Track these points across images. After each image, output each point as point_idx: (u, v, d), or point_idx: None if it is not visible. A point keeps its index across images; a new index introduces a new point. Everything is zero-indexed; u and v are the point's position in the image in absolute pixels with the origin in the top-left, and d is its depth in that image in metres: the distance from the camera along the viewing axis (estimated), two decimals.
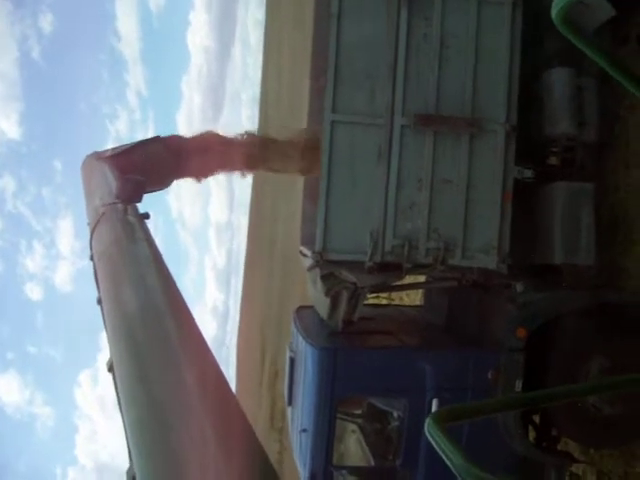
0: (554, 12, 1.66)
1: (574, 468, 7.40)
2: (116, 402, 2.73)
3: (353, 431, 8.08)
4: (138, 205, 5.75)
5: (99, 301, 3.78)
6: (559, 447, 7.46)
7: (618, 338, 6.75)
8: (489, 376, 6.72)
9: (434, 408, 6.59)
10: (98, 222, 4.85)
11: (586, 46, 1.73)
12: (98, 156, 7.35)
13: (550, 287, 7.14)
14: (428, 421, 1.93)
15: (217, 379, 2.33)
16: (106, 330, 3.30)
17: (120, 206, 5.11)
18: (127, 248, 4.09)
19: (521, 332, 6.72)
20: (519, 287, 7.06)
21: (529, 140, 7.30)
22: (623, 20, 7.24)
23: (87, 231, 5.28)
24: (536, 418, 7.63)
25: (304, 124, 8.60)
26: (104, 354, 3.13)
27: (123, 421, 2.45)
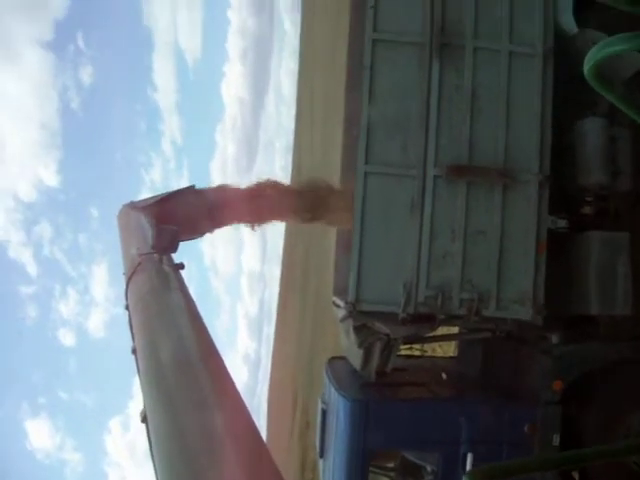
0: (586, 68, 1.67)
1: None
2: (148, 452, 2.73)
3: None
4: (173, 253, 5.83)
5: (134, 351, 3.81)
6: None
7: None
8: (525, 430, 6.59)
9: (469, 462, 6.46)
10: (134, 272, 4.91)
11: (618, 100, 1.74)
12: (134, 206, 7.47)
13: (586, 338, 7.01)
14: None
15: (250, 431, 2.32)
16: (140, 380, 3.31)
17: (156, 256, 5.18)
18: (162, 298, 4.13)
19: (557, 385, 6.61)
20: (555, 338, 6.96)
21: (563, 190, 7.26)
22: None
23: (122, 280, 5.35)
24: (575, 474, 7.42)
25: (337, 173, 8.67)
26: (135, 401, 3.15)
27: (155, 471, 2.46)
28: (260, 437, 2.34)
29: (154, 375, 3.00)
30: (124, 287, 5.00)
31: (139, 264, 5.00)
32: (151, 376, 3.03)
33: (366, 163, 6.96)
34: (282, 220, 8.55)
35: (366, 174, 6.94)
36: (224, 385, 2.70)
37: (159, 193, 7.87)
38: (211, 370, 2.84)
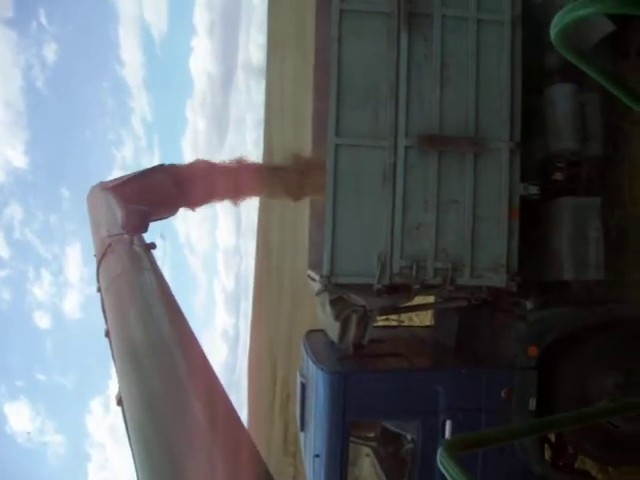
0: (553, 33, 1.65)
1: None
2: (125, 435, 2.71)
3: (367, 455, 8.03)
4: (144, 234, 5.77)
5: (107, 334, 3.78)
6: (576, 465, 7.37)
7: (631, 353, 6.68)
8: (502, 395, 6.66)
9: (447, 430, 6.53)
10: (105, 254, 4.86)
11: (586, 66, 1.71)
12: (103, 186, 7.39)
13: (561, 303, 7.09)
14: (440, 451, 1.90)
15: (225, 409, 2.32)
16: (114, 363, 3.29)
17: (126, 237, 5.13)
18: (134, 280, 4.10)
19: (533, 350, 6.68)
20: (529, 304, 7.02)
21: (534, 156, 7.28)
22: (622, 35, 7.26)
23: (94, 262, 5.30)
24: (552, 436, 7.54)
25: (309, 146, 8.63)
26: (115, 381, 3.13)
27: (132, 454, 2.44)
28: (237, 415, 2.33)
29: (128, 358, 2.98)
30: (95, 269, 4.96)
31: (109, 245, 4.96)
32: (125, 359, 3.01)
33: (337, 135, 6.90)
34: (252, 196, 8.51)
35: (337, 146, 6.88)
36: (197, 364, 2.69)
37: (129, 173, 7.80)
38: (184, 350, 2.82)
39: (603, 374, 6.59)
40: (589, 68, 1.74)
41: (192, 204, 7.97)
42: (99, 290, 4.62)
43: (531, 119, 7.17)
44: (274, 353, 50.92)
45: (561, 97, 7.11)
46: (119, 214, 5.85)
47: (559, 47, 1.67)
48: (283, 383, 40.39)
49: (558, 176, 7.59)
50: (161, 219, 7.63)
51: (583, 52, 1.71)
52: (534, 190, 7.07)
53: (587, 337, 6.82)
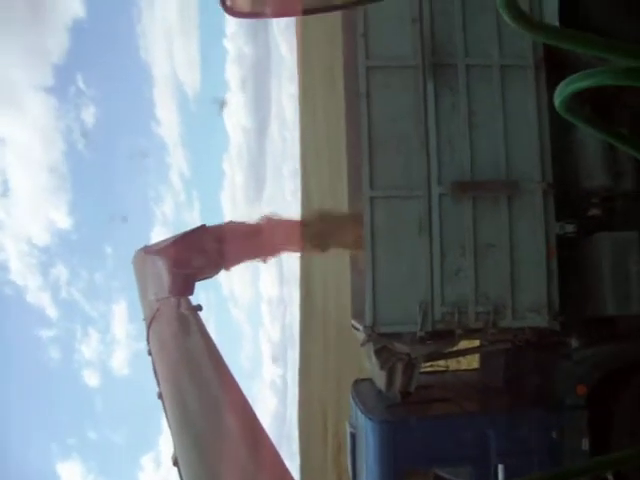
0: (556, 103, 1.79)
1: None
2: None
3: None
4: (190, 296, 5.95)
5: (159, 396, 3.92)
6: None
7: None
8: (554, 436, 6.60)
9: (500, 474, 6.48)
10: (154, 318, 5.04)
11: (594, 128, 1.84)
12: (148, 250, 7.61)
13: (605, 340, 7.04)
14: None
15: (279, 469, 2.41)
16: (168, 424, 3.41)
17: (173, 300, 5.31)
18: (183, 344, 4.25)
19: (581, 389, 6.63)
20: (574, 343, 6.99)
21: (568, 195, 7.32)
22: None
23: (142, 322, 5.48)
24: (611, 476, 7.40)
25: (345, 195, 8.77)
26: (165, 436, 3.25)
27: None
28: (287, 469, 2.43)
29: (182, 421, 3.11)
30: (145, 333, 5.13)
31: (157, 310, 5.13)
32: (179, 422, 3.14)
33: (371, 188, 7.05)
34: (295, 251, 8.66)
35: (372, 199, 7.02)
36: (249, 425, 2.80)
37: (170, 232, 8.02)
38: (235, 410, 2.94)
39: None
40: (597, 130, 1.87)
41: (238, 262, 8.13)
42: (150, 353, 4.78)
43: (562, 158, 7.23)
44: (324, 402, 50.49)
45: (590, 134, 7.13)
46: (165, 278, 6.06)
47: (565, 115, 1.81)
48: (334, 433, 39.96)
49: (594, 212, 7.61)
50: (206, 278, 7.81)
51: (590, 117, 1.86)
52: (570, 228, 7.11)
53: (635, 373, 6.76)
